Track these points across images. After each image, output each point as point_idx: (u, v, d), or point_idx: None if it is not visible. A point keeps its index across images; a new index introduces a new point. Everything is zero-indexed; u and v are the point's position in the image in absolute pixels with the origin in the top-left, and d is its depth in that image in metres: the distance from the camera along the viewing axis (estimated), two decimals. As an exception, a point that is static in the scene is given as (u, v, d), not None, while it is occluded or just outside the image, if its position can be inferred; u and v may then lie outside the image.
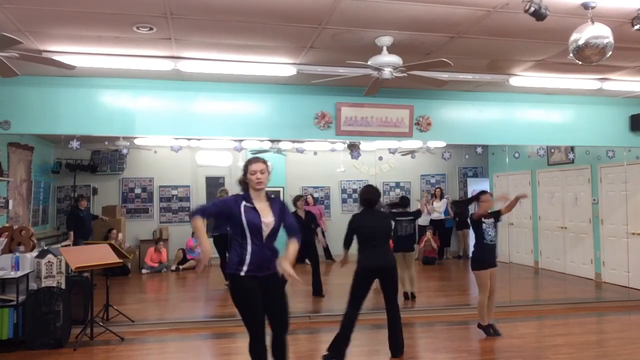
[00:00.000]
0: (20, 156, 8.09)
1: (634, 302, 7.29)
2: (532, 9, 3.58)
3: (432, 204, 10.91)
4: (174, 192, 11.45)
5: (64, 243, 8.26)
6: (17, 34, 4.29)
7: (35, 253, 5.65)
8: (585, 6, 3.92)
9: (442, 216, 11.09)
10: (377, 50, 4.84)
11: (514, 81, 6.27)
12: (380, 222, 4.93)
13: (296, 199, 8.10)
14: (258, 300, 3.46)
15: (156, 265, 10.27)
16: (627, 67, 5.88)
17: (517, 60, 5.64)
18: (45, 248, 5.86)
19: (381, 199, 8.73)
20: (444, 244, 11.40)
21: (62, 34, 4.64)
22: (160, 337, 5.69)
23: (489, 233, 5.48)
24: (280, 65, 5.62)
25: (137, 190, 11.28)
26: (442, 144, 7.70)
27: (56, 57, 4.65)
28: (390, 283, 4.84)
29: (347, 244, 5.02)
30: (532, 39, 4.88)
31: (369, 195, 4.96)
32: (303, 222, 7.72)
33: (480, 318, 5.65)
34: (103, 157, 10.89)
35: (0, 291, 5.43)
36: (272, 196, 3.79)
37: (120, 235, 10.01)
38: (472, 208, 6.08)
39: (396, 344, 4.86)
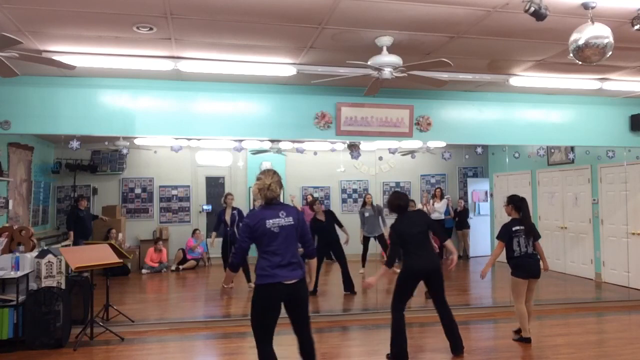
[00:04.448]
0: (20, 156, 8.09)
1: (634, 302, 7.29)
2: (532, 9, 3.58)
3: (433, 205, 10.94)
4: (174, 192, 11.45)
5: (64, 243, 8.27)
6: (17, 34, 4.29)
7: (35, 253, 5.65)
8: (585, 6, 3.93)
9: (443, 216, 11.10)
10: (377, 50, 4.84)
11: (514, 81, 6.28)
12: (418, 222, 4.90)
13: (312, 204, 8.19)
14: None
15: (156, 265, 10.27)
16: (627, 67, 5.89)
17: (517, 60, 5.64)
18: (45, 248, 5.87)
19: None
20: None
21: (62, 34, 4.64)
22: (160, 337, 5.69)
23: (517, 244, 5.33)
24: (280, 65, 5.62)
25: (137, 190, 11.28)
26: (442, 144, 7.70)
27: (56, 57, 4.65)
28: (437, 284, 4.86)
29: (392, 262, 4.81)
30: (532, 39, 4.88)
31: (398, 201, 4.96)
32: (324, 224, 7.79)
33: (522, 329, 5.38)
34: (103, 157, 10.89)
35: (0, 291, 5.43)
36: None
37: (120, 235, 10.01)
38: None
39: (455, 343, 4.90)
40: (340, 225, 8.15)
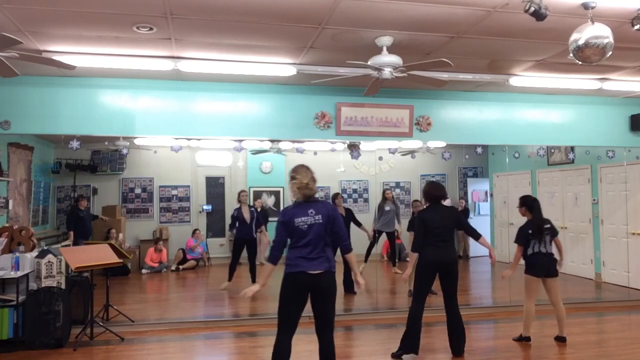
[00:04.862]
0: (20, 156, 8.08)
1: (634, 302, 7.29)
2: (532, 9, 3.58)
3: None
4: (174, 192, 11.45)
5: (64, 243, 8.27)
6: (17, 34, 4.29)
7: (35, 253, 5.64)
8: (585, 6, 3.93)
9: None
10: (377, 50, 4.84)
11: (514, 81, 6.27)
12: (447, 216, 4.93)
13: (334, 197, 8.26)
14: None
15: (156, 265, 10.27)
16: (627, 67, 5.88)
17: (517, 60, 5.64)
18: (45, 248, 5.86)
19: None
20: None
21: (62, 34, 4.64)
22: (160, 337, 5.69)
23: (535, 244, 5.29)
24: (280, 65, 5.62)
25: (137, 190, 11.28)
26: (442, 144, 7.70)
27: (56, 57, 4.65)
28: (451, 279, 4.87)
29: (418, 246, 4.87)
30: (532, 39, 4.88)
31: (435, 191, 5.00)
32: (344, 219, 7.79)
33: (524, 328, 5.35)
34: (103, 157, 10.89)
35: (0, 291, 5.43)
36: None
37: (120, 235, 10.01)
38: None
39: (457, 344, 4.90)
40: (359, 224, 8.19)
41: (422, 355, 5.06)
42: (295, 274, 3.63)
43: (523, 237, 5.32)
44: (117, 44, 4.94)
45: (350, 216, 8.13)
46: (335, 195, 8.31)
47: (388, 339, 4.90)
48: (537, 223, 5.31)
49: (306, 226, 3.64)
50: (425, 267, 4.82)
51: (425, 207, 5.06)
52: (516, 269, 5.39)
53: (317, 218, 3.66)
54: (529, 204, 5.41)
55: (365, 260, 8.93)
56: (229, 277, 8.17)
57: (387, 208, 9.17)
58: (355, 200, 11.84)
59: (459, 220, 5.07)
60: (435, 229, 4.80)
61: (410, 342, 4.75)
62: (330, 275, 3.69)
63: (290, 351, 3.67)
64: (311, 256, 3.64)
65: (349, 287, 7.81)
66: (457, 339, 4.90)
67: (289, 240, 3.76)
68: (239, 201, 8.49)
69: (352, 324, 6.21)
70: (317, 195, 3.83)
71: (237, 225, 8.32)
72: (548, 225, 5.34)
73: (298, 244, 3.66)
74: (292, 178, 3.74)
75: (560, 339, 5.37)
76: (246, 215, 8.27)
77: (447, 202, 11.28)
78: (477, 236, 5.05)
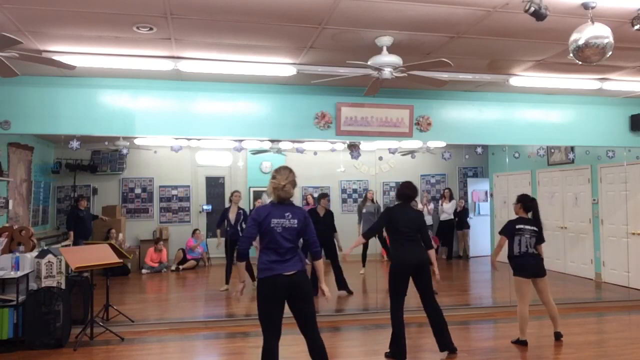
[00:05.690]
0: (20, 156, 8.08)
1: (634, 302, 7.29)
2: (532, 9, 3.59)
3: (442, 205, 11.06)
4: (174, 192, 11.44)
5: (64, 243, 8.27)
6: (17, 34, 4.29)
7: (35, 253, 5.65)
8: (585, 6, 3.93)
9: (452, 216, 11.22)
10: (377, 50, 4.84)
11: (514, 81, 6.28)
12: (414, 217, 4.95)
13: (321, 197, 8.26)
14: None
15: (156, 265, 10.27)
16: (627, 67, 5.89)
17: (517, 60, 5.64)
18: (45, 248, 5.87)
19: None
20: (447, 244, 11.41)
21: (62, 34, 4.64)
22: (160, 337, 5.69)
23: (523, 242, 5.27)
24: (280, 65, 5.62)
25: (137, 190, 11.27)
26: (442, 144, 7.70)
27: (56, 57, 4.65)
28: (424, 279, 4.85)
29: (370, 234, 5.07)
30: (532, 39, 4.88)
31: (406, 190, 5.03)
32: (320, 219, 7.73)
33: (520, 331, 5.29)
34: (103, 157, 10.89)
35: (0, 291, 5.43)
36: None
37: (120, 235, 10.01)
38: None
39: (444, 341, 4.89)
40: (334, 230, 8.03)
41: (422, 355, 5.07)
42: (272, 277, 3.62)
43: (509, 231, 5.33)
44: (117, 44, 4.94)
45: (329, 218, 8.02)
46: (322, 196, 8.24)
47: (386, 339, 4.90)
48: (539, 224, 5.33)
49: (281, 228, 3.64)
50: (398, 269, 4.82)
51: (396, 203, 5.09)
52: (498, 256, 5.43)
53: (292, 222, 3.67)
54: (525, 202, 5.41)
55: (363, 265, 8.89)
56: (226, 280, 8.14)
57: (364, 210, 9.11)
58: (355, 201, 11.83)
59: (421, 226, 4.97)
60: (403, 227, 4.83)
61: (397, 345, 4.75)
62: (304, 274, 3.72)
63: (278, 354, 3.67)
64: (285, 258, 3.64)
65: (345, 286, 7.77)
66: (441, 333, 4.88)
67: (256, 241, 3.76)
68: (230, 200, 8.49)
69: (352, 324, 6.21)
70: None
71: (224, 224, 8.34)
72: (536, 228, 5.30)
73: (271, 246, 3.65)
74: (272, 177, 3.75)
75: (557, 335, 5.39)
76: (232, 216, 8.26)
77: (452, 203, 11.41)
78: (428, 247, 5.00)
